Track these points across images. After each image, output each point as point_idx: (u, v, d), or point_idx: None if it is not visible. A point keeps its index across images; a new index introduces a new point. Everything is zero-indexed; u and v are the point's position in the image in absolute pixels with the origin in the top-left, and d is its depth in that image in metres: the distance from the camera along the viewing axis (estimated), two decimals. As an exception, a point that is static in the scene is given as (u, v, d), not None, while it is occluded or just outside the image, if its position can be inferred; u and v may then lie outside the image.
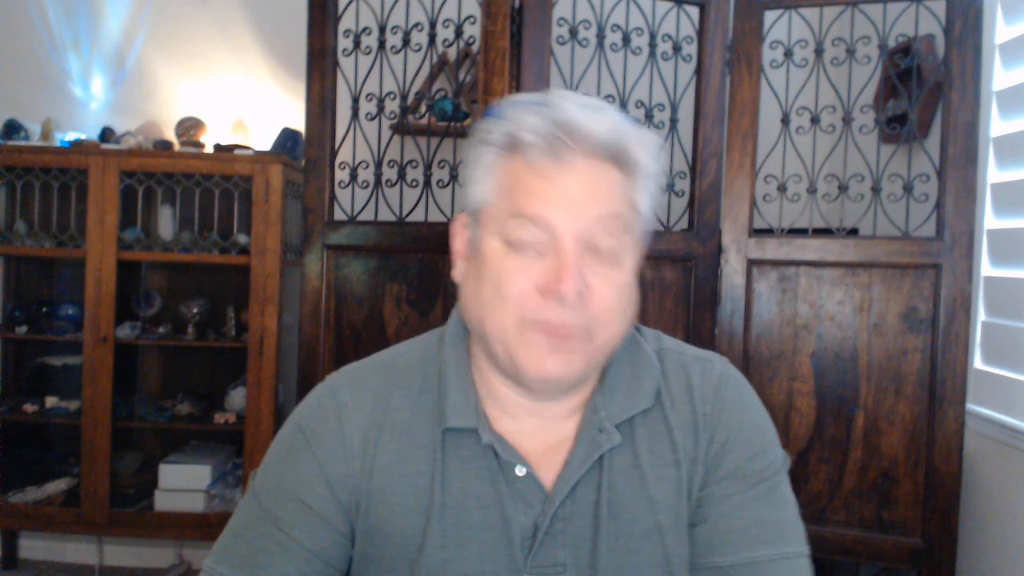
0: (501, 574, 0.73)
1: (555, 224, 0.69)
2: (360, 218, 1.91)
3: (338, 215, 1.93)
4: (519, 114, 0.71)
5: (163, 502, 2.59)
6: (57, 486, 2.65)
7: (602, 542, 0.73)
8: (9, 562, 2.73)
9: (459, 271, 0.78)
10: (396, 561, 0.74)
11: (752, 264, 1.82)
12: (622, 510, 0.74)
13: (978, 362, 1.78)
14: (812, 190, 1.85)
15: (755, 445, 0.77)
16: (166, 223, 2.72)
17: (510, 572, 0.73)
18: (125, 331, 2.65)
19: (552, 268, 0.69)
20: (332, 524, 0.75)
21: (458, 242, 0.79)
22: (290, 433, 0.79)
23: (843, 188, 1.84)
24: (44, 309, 2.77)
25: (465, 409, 0.75)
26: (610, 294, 0.71)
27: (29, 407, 2.65)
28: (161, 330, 2.74)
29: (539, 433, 0.77)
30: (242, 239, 2.65)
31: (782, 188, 1.87)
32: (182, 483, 2.59)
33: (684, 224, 1.89)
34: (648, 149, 0.74)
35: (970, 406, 1.73)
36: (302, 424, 0.78)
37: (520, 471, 0.74)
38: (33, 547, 2.81)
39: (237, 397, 2.68)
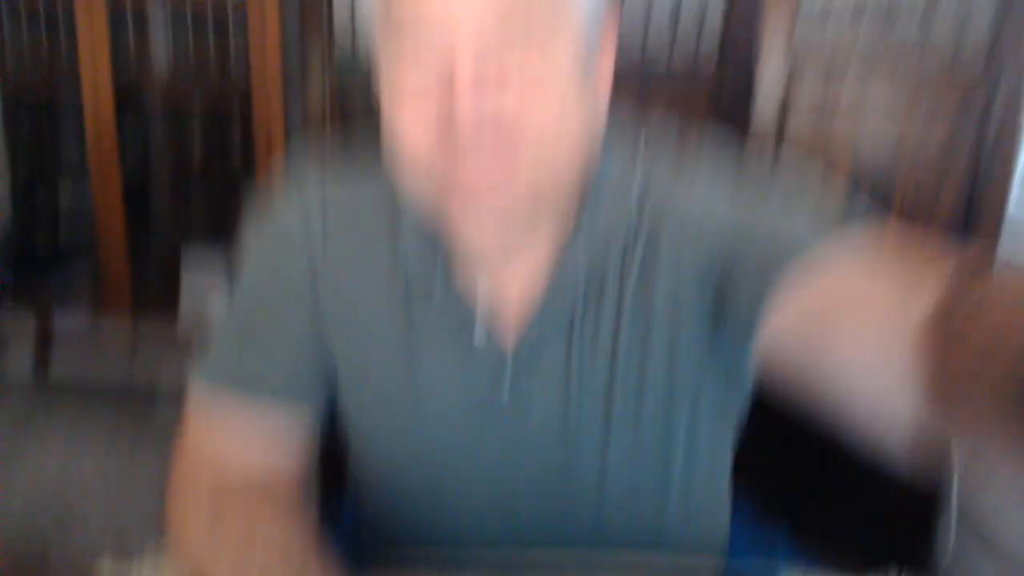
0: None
1: (438, 18, 0.50)
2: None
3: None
4: None
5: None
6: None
7: (572, 409, 0.64)
8: (41, 380, 2.80)
9: None
10: (385, 417, 0.68)
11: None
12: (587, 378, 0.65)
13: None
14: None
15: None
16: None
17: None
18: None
19: (446, 92, 0.50)
20: (317, 342, 0.67)
21: None
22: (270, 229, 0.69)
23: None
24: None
25: (421, 257, 0.64)
26: (536, 99, 0.51)
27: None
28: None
29: (501, 291, 0.64)
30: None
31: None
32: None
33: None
34: None
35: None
36: (274, 219, 0.68)
37: (479, 335, 0.63)
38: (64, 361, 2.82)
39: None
